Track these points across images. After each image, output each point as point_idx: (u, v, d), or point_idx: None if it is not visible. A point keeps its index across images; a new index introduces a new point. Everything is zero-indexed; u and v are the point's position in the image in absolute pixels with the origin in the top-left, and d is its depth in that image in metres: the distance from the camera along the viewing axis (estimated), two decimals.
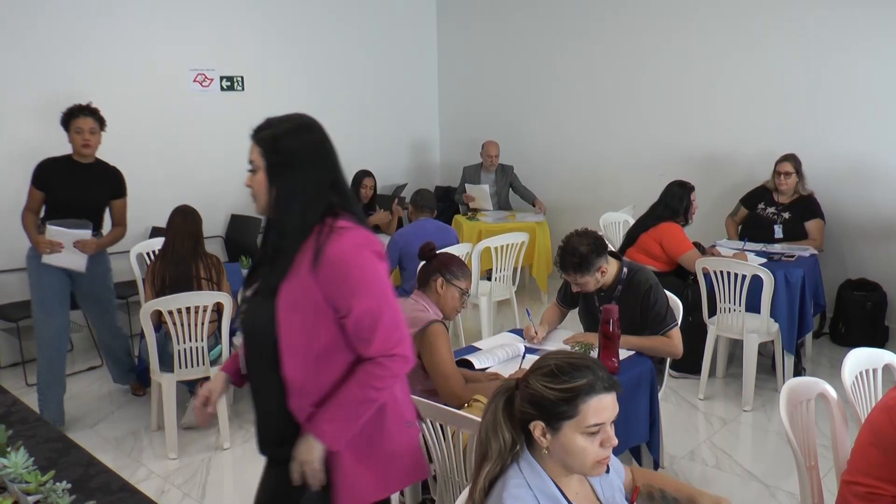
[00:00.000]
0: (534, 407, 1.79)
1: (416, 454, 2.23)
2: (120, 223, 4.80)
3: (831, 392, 2.73)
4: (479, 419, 2.56)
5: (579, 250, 3.49)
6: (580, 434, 1.75)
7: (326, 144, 2.12)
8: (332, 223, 2.00)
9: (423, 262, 3.35)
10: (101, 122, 4.58)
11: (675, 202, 5.24)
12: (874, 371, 2.92)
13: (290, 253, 1.98)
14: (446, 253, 3.41)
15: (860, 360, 2.89)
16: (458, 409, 2.76)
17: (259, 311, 2.03)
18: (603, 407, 1.76)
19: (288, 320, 1.97)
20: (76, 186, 4.53)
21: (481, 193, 7.43)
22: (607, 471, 1.90)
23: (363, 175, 6.61)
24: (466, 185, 7.53)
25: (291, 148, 2.02)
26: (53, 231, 4.37)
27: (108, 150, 6.19)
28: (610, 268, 3.60)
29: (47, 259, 4.40)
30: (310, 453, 1.98)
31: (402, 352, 2.00)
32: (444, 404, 2.76)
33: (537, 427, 1.79)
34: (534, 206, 7.44)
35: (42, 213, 4.59)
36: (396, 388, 2.14)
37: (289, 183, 2.00)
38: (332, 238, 1.96)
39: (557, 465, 1.82)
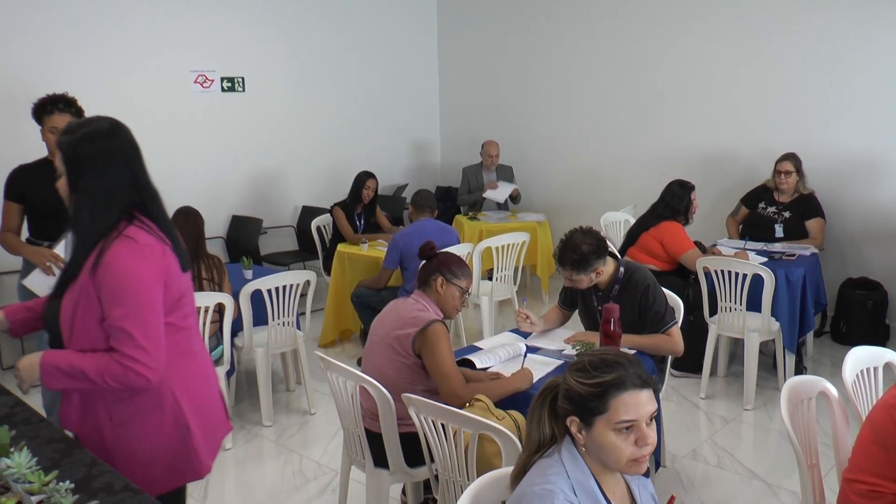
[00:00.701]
0: (569, 402, 1.80)
1: (191, 456, 2.27)
2: None
3: (832, 390, 2.73)
4: (481, 419, 2.58)
5: (581, 248, 3.49)
6: (612, 430, 1.74)
7: (126, 148, 2.15)
8: (124, 229, 2.09)
9: (423, 262, 3.36)
10: (80, 117, 3.84)
11: (675, 201, 5.24)
12: (875, 369, 2.92)
13: (80, 255, 2.09)
14: (446, 252, 3.41)
15: (861, 358, 2.90)
16: (460, 408, 2.76)
17: (51, 308, 2.16)
18: (635, 403, 1.74)
19: (68, 317, 2.10)
20: (55, 192, 3.98)
21: (504, 188, 7.38)
22: (646, 474, 1.89)
23: (366, 176, 6.62)
24: (498, 181, 7.49)
25: (87, 154, 2.08)
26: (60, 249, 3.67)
27: None
28: (606, 269, 3.60)
29: (29, 283, 3.62)
30: (29, 369, 2.11)
31: (138, 369, 2.04)
32: (445, 404, 2.77)
33: (573, 423, 1.80)
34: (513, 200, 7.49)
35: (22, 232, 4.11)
36: (178, 389, 2.21)
37: (83, 188, 2.09)
38: (113, 245, 2.06)
39: (595, 462, 1.81)
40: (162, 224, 2.18)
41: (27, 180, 3.98)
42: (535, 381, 3.12)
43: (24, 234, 4.16)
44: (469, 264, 5.65)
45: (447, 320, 3.26)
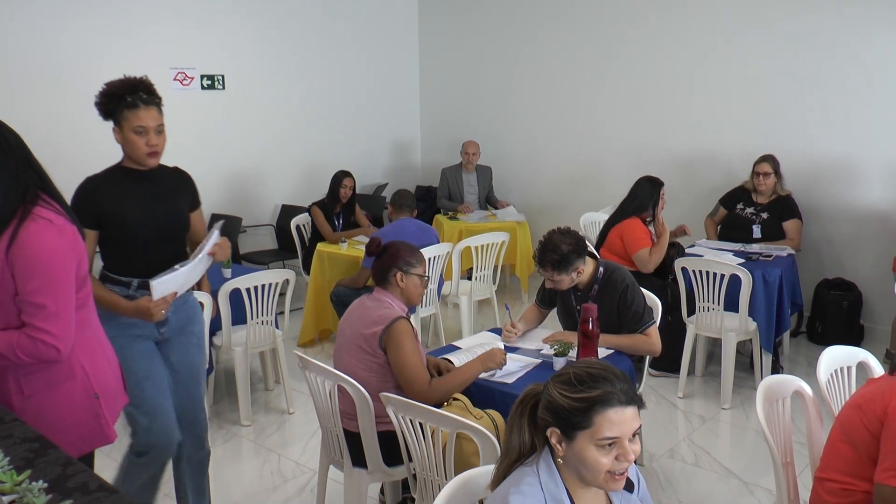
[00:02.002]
0: (550, 414, 1.77)
1: (100, 422, 2.40)
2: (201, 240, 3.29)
3: (807, 389, 2.76)
4: (459, 418, 2.58)
5: (560, 248, 3.50)
6: (594, 445, 1.71)
7: (12, 132, 2.22)
8: (31, 209, 2.16)
9: (374, 259, 3.34)
10: (161, 108, 3.05)
11: (643, 196, 5.28)
12: (849, 369, 2.96)
13: None
14: (394, 244, 3.36)
15: (836, 357, 2.94)
16: (437, 407, 2.78)
17: None
18: (619, 420, 1.71)
19: None
20: (147, 208, 3.00)
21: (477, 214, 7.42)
22: (630, 488, 1.88)
23: (342, 175, 6.61)
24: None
25: None
26: (161, 286, 2.76)
27: (88, 151, 6.17)
28: (586, 268, 3.62)
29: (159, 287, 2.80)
30: None
31: (48, 339, 2.14)
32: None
33: (553, 434, 1.77)
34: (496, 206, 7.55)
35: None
36: (85, 360, 2.33)
37: None
38: (29, 225, 2.13)
39: (573, 475, 1.79)
40: (61, 201, 2.28)
41: (105, 197, 2.93)
42: (513, 381, 3.13)
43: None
44: (448, 264, 5.71)
45: (412, 312, 3.26)
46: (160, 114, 2.98)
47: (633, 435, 1.75)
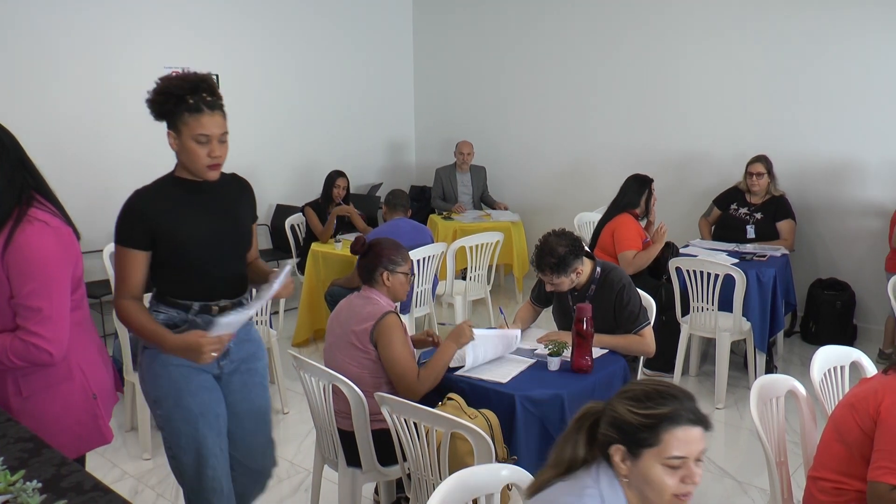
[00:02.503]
0: (615, 430, 1.72)
1: (98, 423, 2.39)
2: (257, 254, 2.98)
3: (800, 389, 2.77)
4: (453, 418, 2.58)
5: (557, 251, 3.50)
6: (660, 465, 1.67)
7: (7, 135, 2.21)
8: (26, 211, 2.15)
9: (358, 258, 3.34)
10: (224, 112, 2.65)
11: (631, 194, 5.29)
12: (842, 368, 2.97)
13: None
14: (379, 242, 3.35)
15: (829, 357, 2.95)
16: (417, 400, 2.82)
17: None
18: (688, 440, 1.68)
19: None
20: (208, 224, 2.64)
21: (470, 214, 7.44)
22: None
23: (336, 175, 6.61)
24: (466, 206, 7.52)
25: None
26: (226, 325, 2.50)
27: (83, 150, 6.17)
28: (585, 268, 3.63)
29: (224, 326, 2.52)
30: None
31: (40, 344, 2.13)
32: (402, 397, 2.80)
33: (618, 452, 1.72)
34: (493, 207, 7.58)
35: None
36: (82, 361, 2.33)
37: None
38: (25, 227, 2.12)
39: (635, 495, 1.74)
40: (56, 202, 2.27)
41: (159, 215, 2.54)
42: (507, 380, 3.13)
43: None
44: (443, 264, 5.71)
45: (408, 314, 3.27)
46: (225, 119, 2.59)
47: (699, 458, 1.71)
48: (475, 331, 3.25)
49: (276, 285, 2.60)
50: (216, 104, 2.54)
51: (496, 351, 3.35)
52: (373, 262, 3.26)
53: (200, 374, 2.64)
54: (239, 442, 2.81)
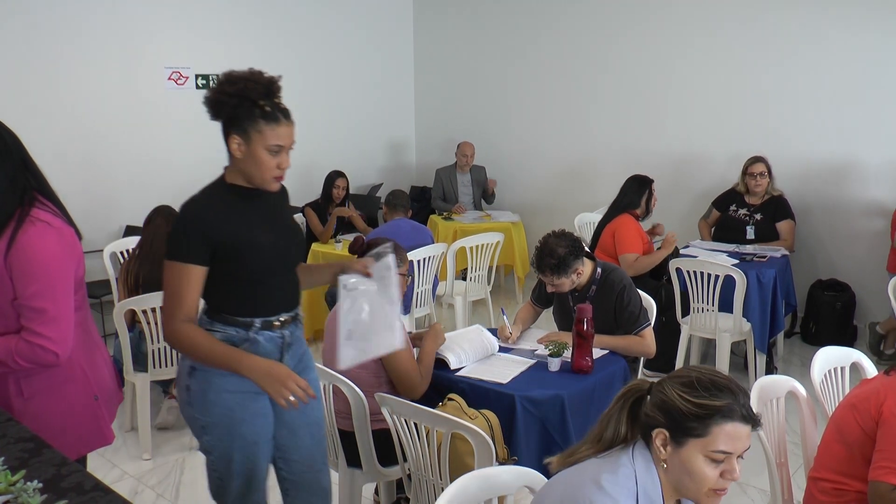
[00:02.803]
0: (662, 414, 1.69)
1: (100, 424, 2.39)
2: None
3: (800, 390, 2.77)
4: (454, 418, 2.58)
5: (557, 252, 3.50)
6: (703, 456, 1.64)
7: (10, 134, 2.19)
8: (29, 211, 2.13)
9: (357, 258, 3.34)
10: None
11: (631, 194, 5.30)
12: (842, 369, 2.97)
13: None
14: (377, 241, 3.34)
15: (829, 358, 2.95)
16: (416, 400, 2.82)
17: None
18: (737, 436, 1.64)
19: None
20: (268, 233, 2.47)
21: None
22: None
23: (336, 175, 6.61)
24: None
25: None
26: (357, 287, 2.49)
27: (83, 150, 6.17)
28: (585, 269, 3.63)
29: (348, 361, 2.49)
30: None
31: (45, 344, 2.12)
32: (402, 396, 2.80)
33: (660, 435, 1.69)
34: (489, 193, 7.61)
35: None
36: (84, 362, 2.31)
37: None
38: (28, 228, 2.10)
39: (669, 483, 1.71)
40: (58, 203, 2.25)
41: (220, 225, 2.36)
42: (507, 381, 3.13)
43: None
44: (443, 264, 5.71)
45: (408, 315, 3.27)
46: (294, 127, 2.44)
47: (741, 455, 1.69)
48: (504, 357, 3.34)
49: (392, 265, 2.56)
50: (288, 113, 2.42)
51: (474, 347, 3.38)
52: None
53: (257, 399, 2.44)
54: (296, 458, 2.66)
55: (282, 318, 2.48)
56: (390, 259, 2.60)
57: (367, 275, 2.54)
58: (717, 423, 1.64)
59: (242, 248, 2.36)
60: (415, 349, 3.37)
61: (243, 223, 2.38)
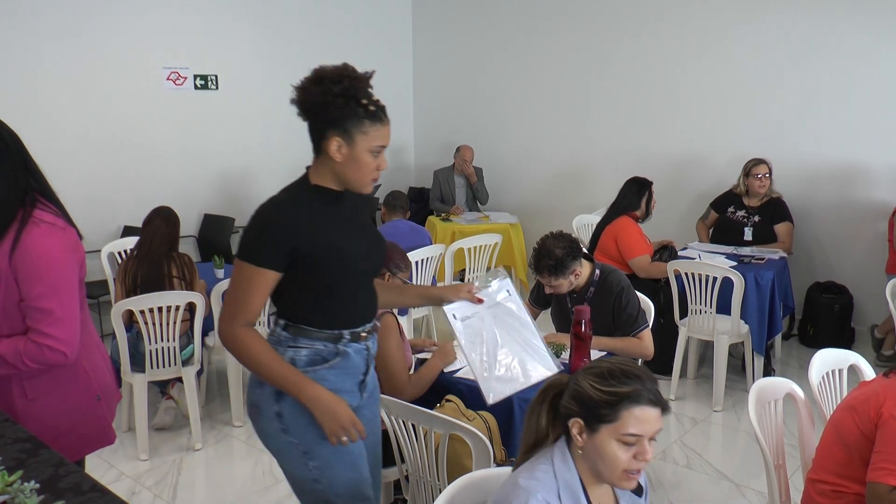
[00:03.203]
0: (577, 404, 1.77)
1: (102, 424, 2.40)
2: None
3: (798, 392, 2.77)
4: (451, 419, 2.58)
5: (554, 253, 3.50)
6: (615, 440, 1.72)
7: (11, 135, 2.18)
8: (31, 212, 2.13)
9: None
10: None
11: (631, 196, 5.29)
12: (840, 371, 2.97)
13: None
14: (387, 245, 3.40)
15: (827, 360, 2.95)
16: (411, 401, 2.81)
17: None
18: (644, 419, 1.72)
19: None
20: (357, 238, 2.32)
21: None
22: (639, 493, 1.88)
23: None
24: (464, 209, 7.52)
25: None
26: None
27: (81, 150, 6.16)
28: (583, 270, 3.63)
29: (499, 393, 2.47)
30: None
31: (53, 345, 2.12)
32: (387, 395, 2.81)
33: (576, 424, 1.77)
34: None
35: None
36: (86, 362, 2.30)
37: None
38: (31, 229, 2.10)
39: (588, 468, 1.79)
40: (58, 203, 2.25)
41: (308, 230, 2.19)
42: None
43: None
44: (441, 265, 5.71)
45: (406, 316, 3.28)
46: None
47: (653, 437, 1.75)
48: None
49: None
50: (386, 110, 2.25)
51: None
52: None
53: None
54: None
55: (367, 329, 2.35)
56: (507, 283, 2.53)
57: (477, 301, 2.44)
58: (626, 408, 1.72)
59: (331, 256, 2.20)
60: (415, 356, 3.38)
61: (332, 230, 2.22)
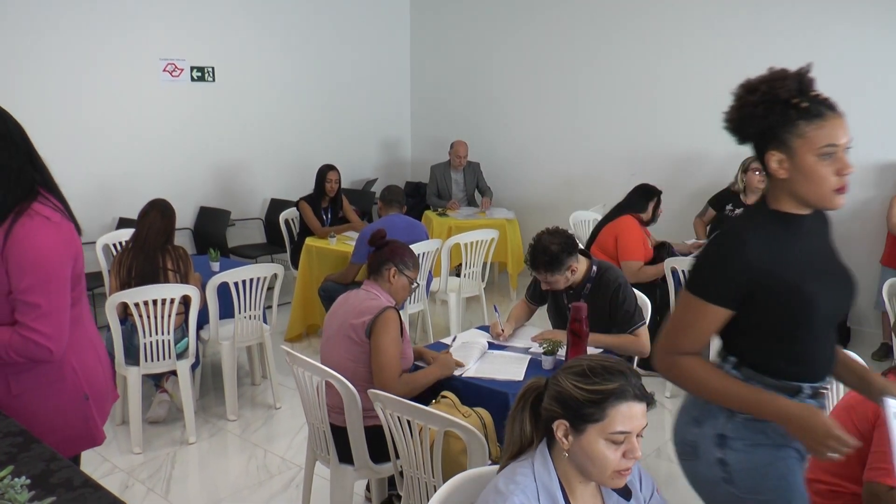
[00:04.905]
0: (560, 405, 1.73)
1: (89, 424, 2.36)
2: None
3: None
4: (447, 416, 2.57)
5: (550, 249, 3.49)
6: (603, 439, 1.69)
7: (17, 128, 2.17)
8: (29, 205, 2.11)
9: (374, 250, 3.36)
10: None
11: (638, 198, 5.29)
12: None
13: None
14: (398, 242, 3.41)
15: None
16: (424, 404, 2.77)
17: None
18: (632, 415, 1.69)
19: None
20: (827, 275, 2.04)
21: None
22: (627, 496, 1.83)
23: (327, 169, 6.58)
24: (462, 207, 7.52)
25: None
26: None
27: (77, 142, 6.14)
28: (580, 266, 3.61)
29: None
30: None
31: (39, 340, 2.10)
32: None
33: (560, 426, 1.73)
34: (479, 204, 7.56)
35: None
36: (76, 360, 2.28)
37: None
38: (25, 221, 2.09)
39: (574, 470, 1.76)
40: (60, 197, 2.24)
41: (775, 268, 1.90)
42: (521, 377, 3.13)
43: None
44: (437, 260, 5.69)
45: (402, 310, 3.28)
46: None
47: (641, 434, 1.73)
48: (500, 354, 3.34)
49: None
50: (833, 104, 1.94)
51: (474, 356, 3.38)
52: (386, 255, 3.31)
53: (791, 451, 2.00)
54: None
55: (826, 385, 2.04)
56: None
57: None
58: (612, 405, 1.68)
59: (801, 296, 1.90)
60: (416, 361, 3.37)
61: (802, 265, 1.92)
